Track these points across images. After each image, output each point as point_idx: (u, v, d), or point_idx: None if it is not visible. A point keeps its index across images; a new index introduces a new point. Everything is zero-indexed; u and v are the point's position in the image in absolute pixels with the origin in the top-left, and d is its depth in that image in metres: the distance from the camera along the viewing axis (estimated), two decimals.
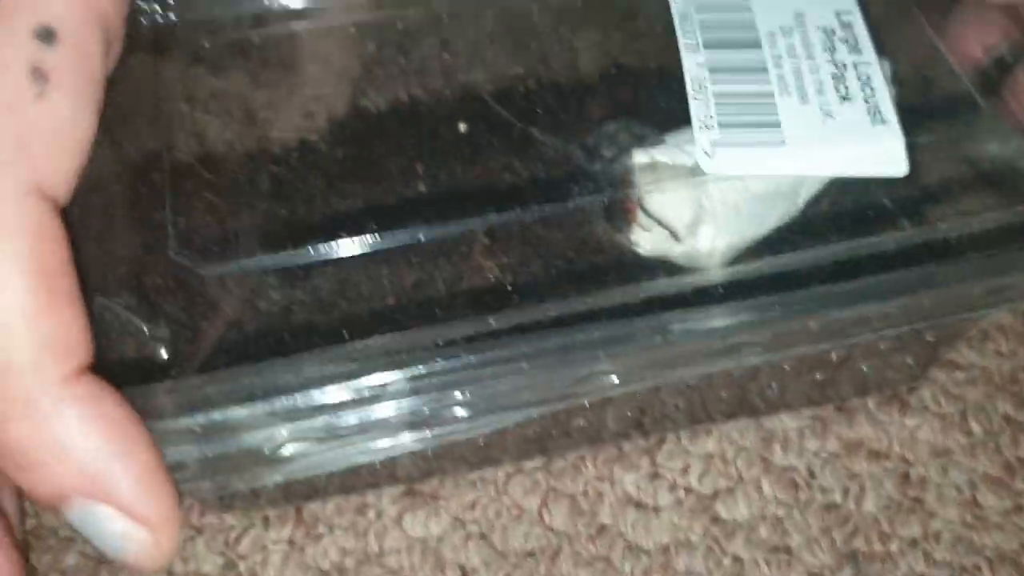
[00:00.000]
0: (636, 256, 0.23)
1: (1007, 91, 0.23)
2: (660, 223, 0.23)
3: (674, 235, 0.23)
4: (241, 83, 0.26)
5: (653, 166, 0.23)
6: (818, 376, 0.29)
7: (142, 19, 0.24)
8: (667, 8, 0.24)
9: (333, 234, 0.22)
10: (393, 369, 0.18)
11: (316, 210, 0.23)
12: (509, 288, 0.22)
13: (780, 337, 0.21)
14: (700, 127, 0.22)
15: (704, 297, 0.21)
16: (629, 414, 0.29)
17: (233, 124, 0.25)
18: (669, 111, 0.24)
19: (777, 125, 0.22)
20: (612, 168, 0.24)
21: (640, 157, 0.23)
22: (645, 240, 0.24)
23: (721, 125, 0.22)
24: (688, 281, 0.21)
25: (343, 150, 0.25)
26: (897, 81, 0.24)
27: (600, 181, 0.24)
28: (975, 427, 0.29)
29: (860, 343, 0.25)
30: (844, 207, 0.23)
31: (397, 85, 0.26)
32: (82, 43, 0.17)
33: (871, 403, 0.29)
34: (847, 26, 0.23)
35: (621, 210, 0.24)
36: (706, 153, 0.22)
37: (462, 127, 0.25)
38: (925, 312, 0.21)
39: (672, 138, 0.23)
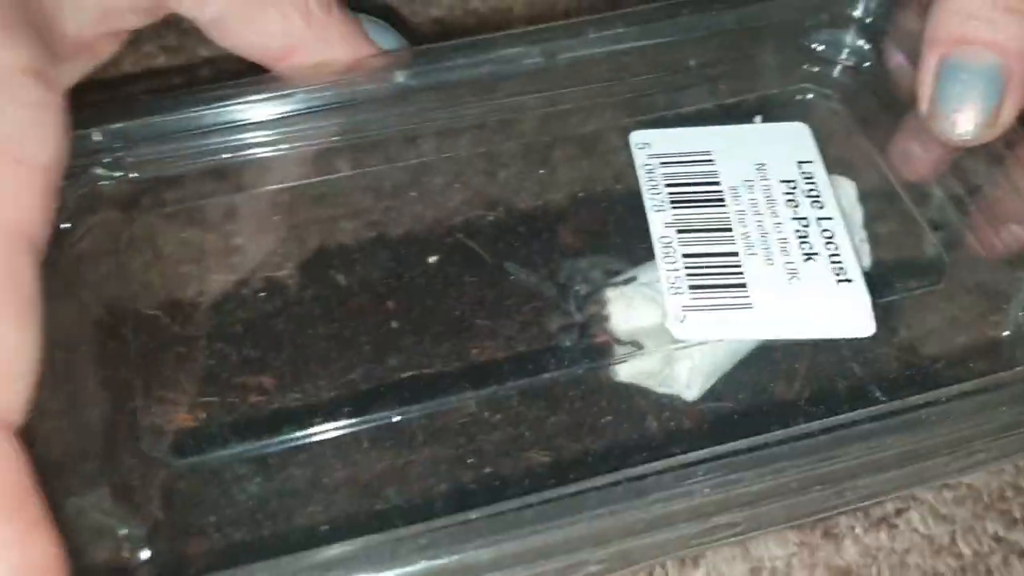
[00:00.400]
0: (614, 384, 0.23)
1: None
2: (637, 359, 0.24)
3: (652, 373, 0.23)
4: (204, 237, 0.26)
5: (627, 302, 0.23)
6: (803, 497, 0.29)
7: (101, 181, 0.25)
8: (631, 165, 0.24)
9: (309, 415, 0.22)
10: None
11: (288, 383, 0.23)
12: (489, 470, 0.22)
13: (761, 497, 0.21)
14: (671, 290, 0.22)
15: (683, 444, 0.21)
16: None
17: (199, 282, 0.25)
18: (639, 242, 0.24)
19: (744, 286, 0.22)
20: (587, 305, 0.24)
21: (613, 295, 0.24)
22: (622, 371, 0.24)
23: (691, 288, 0.22)
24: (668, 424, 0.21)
25: (313, 303, 0.25)
26: (862, 200, 0.24)
27: (575, 323, 0.24)
28: (965, 550, 0.29)
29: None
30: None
31: (366, 229, 0.26)
32: (13, 272, 0.17)
33: (858, 527, 0.29)
34: (809, 177, 0.24)
35: (596, 345, 0.24)
36: (677, 319, 0.22)
37: (432, 260, 0.26)
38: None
39: (643, 272, 0.24)
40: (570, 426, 0.22)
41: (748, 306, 0.22)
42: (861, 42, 0.26)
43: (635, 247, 0.24)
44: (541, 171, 0.26)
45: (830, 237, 0.23)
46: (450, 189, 0.26)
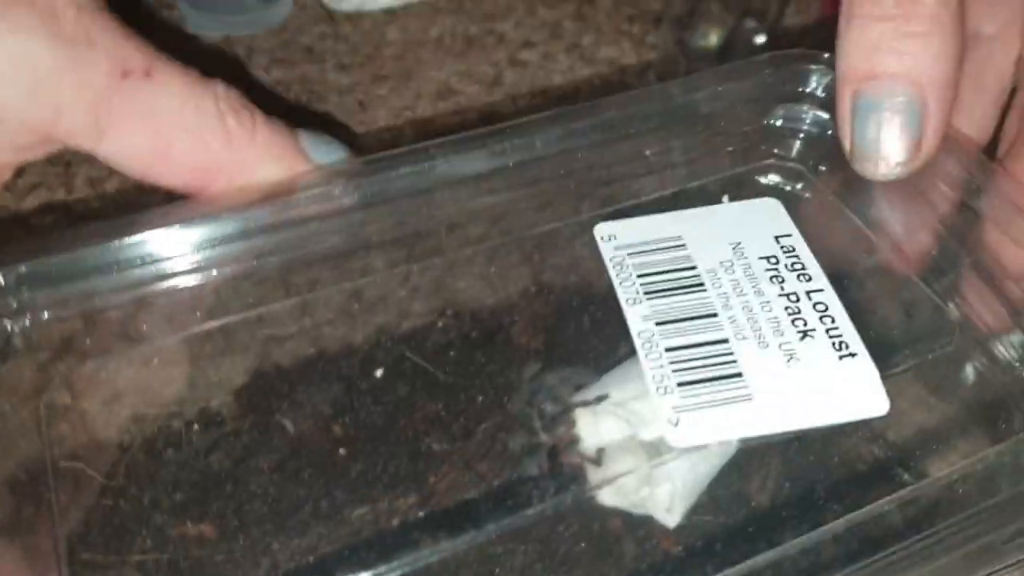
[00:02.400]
0: (588, 509, 0.21)
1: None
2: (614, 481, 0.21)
3: (628, 496, 0.21)
4: (128, 375, 0.23)
5: (598, 422, 0.21)
6: None
7: (8, 325, 0.22)
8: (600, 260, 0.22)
9: (257, 566, 0.19)
10: None
11: (232, 529, 0.20)
12: None
13: None
14: (658, 391, 0.20)
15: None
16: None
17: (125, 424, 0.22)
18: (607, 349, 0.22)
19: (740, 376, 0.20)
20: (556, 427, 0.22)
21: (583, 415, 0.21)
22: (596, 495, 0.22)
23: (680, 385, 0.20)
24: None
25: (253, 434, 0.22)
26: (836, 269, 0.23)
27: (542, 444, 0.22)
28: None
29: None
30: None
31: (306, 348, 0.24)
32: None
33: None
34: (790, 250, 0.22)
35: (570, 467, 0.22)
36: (671, 423, 0.20)
37: (378, 375, 0.23)
38: None
39: (614, 384, 0.22)
40: (543, 557, 0.20)
41: (747, 398, 0.20)
42: (817, 115, 0.25)
43: (603, 355, 0.23)
44: (496, 276, 0.24)
45: (824, 310, 0.21)
46: (397, 301, 0.24)
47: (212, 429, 0.22)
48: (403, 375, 0.23)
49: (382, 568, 0.19)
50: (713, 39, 0.44)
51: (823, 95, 0.25)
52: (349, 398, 0.23)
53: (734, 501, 0.21)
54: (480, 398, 0.23)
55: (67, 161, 0.36)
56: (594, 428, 0.22)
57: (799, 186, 0.26)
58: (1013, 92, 0.27)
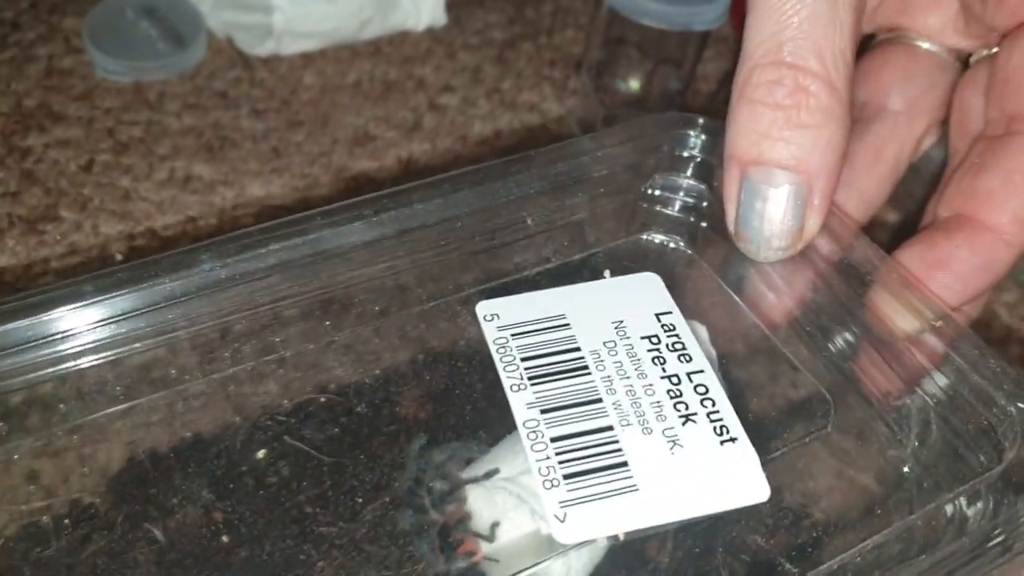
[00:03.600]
0: None
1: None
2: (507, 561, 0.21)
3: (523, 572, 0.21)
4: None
5: (489, 499, 0.21)
6: None
7: None
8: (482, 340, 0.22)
9: None
10: None
11: None
12: None
13: None
14: (544, 485, 0.20)
15: None
16: None
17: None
18: (495, 419, 0.22)
19: (625, 465, 0.20)
20: (444, 504, 0.22)
21: (474, 492, 0.21)
22: (493, 571, 0.21)
23: (566, 478, 0.20)
24: None
25: (127, 525, 0.21)
26: (713, 343, 0.23)
27: (432, 522, 0.21)
28: None
29: None
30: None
31: (180, 431, 0.23)
32: None
33: None
34: (670, 329, 0.22)
35: (460, 547, 0.21)
36: (557, 518, 0.19)
37: (260, 456, 0.22)
38: None
39: (503, 458, 0.21)
40: None
41: (633, 488, 0.19)
42: (696, 181, 0.26)
43: (491, 425, 0.22)
44: (378, 351, 0.24)
45: (704, 392, 0.21)
46: (273, 379, 0.24)
47: (83, 523, 0.21)
48: (285, 454, 0.22)
49: None
50: (633, 84, 0.44)
51: (700, 160, 0.25)
52: (230, 483, 0.22)
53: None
54: (367, 476, 0.22)
55: None
56: (485, 504, 0.21)
57: (677, 256, 0.26)
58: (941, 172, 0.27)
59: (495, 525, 0.21)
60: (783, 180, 0.22)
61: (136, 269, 0.21)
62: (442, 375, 0.23)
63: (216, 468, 0.22)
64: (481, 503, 0.21)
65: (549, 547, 0.20)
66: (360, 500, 0.21)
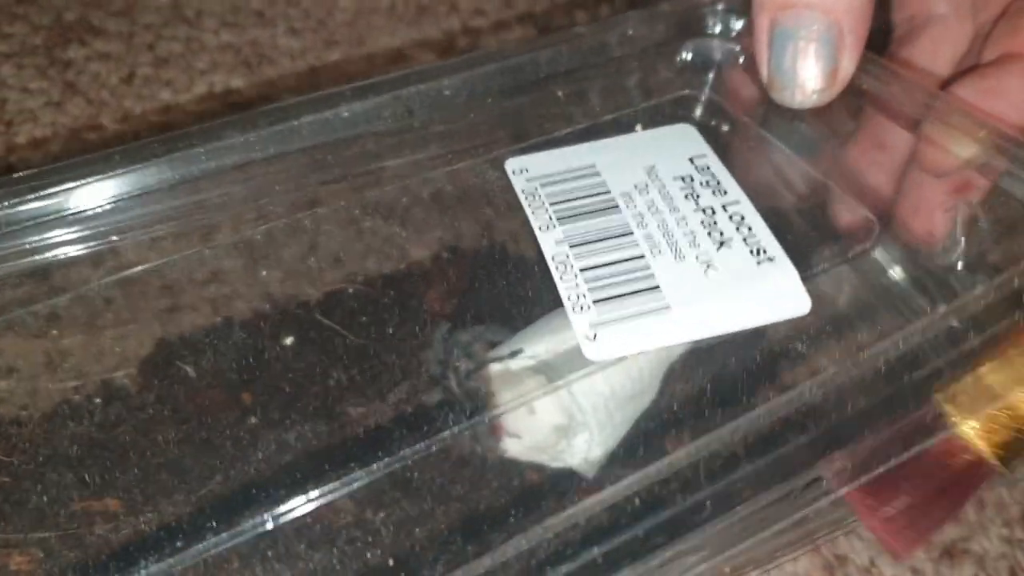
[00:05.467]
0: (504, 463, 0.20)
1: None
2: (530, 437, 0.20)
3: (545, 449, 0.20)
4: (24, 346, 0.22)
5: (514, 377, 0.20)
6: None
7: None
8: (511, 190, 0.22)
9: (166, 539, 0.17)
10: None
11: (139, 503, 0.19)
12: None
13: None
14: (574, 310, 0.19)
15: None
16: None
17: (23, 397, 0.21)
18: (521, 303, 0.21)
19: (657, 288, 0.19)
20: (470, 385, 0.21)
21: (497, 370, 0.20)
22: (512, 448, 0.20)
23: (596, 303, 0.19)
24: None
25: (158, 406, 0.21)
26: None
27: (459, 400, 0.20)
28: None
29: None
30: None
31: (211, 315, 0.23)
32: None
33: None
34: (704, 169, 0.22)
35: (487, 426, 0.21)
36: (588, 338, 0.19)
37: (288, 343, 0.22)
38: None
39: (528, 341, 0.21)
40: (463, 515, 0.19)
41: (665, 308, 0.19)
42: (729, 45, 0.25)
43: (517, 310, 0.22)
44: (406, 234, 0.24)
45: (741, 220, 0.20)
46: (303, 262, 0.23)
47: (115, 402, 0.21)
48: (312, 339, 0.22)
49: (289, 512, 0.18)
50: None
51: (729, 24, 0.25)
52: (257, 364, 0.22)
53: (650, 451, 0.20)
54: (394, 360, 0.22)
55: (8, 120, 0.36)
56: (508, 383, 0.21)
57: (714, 115, 0.25)
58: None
59: (516, 402, 0.20)
60: (812, 20, 0.21)
61: (170, 142, 0.22)
62: (467, 262, 0.23)
63: (245, 352, 0.22)
64: (504, 383, 0.21)
65: (570, 426, 0.19)
66: (385, 383, 0.21)
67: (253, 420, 0.21)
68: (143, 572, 0.17)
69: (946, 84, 0.24)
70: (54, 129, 0.36)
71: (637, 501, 0.17)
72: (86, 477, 0.20)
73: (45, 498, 0.19)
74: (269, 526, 0.17)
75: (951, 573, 0.26)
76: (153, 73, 0.40)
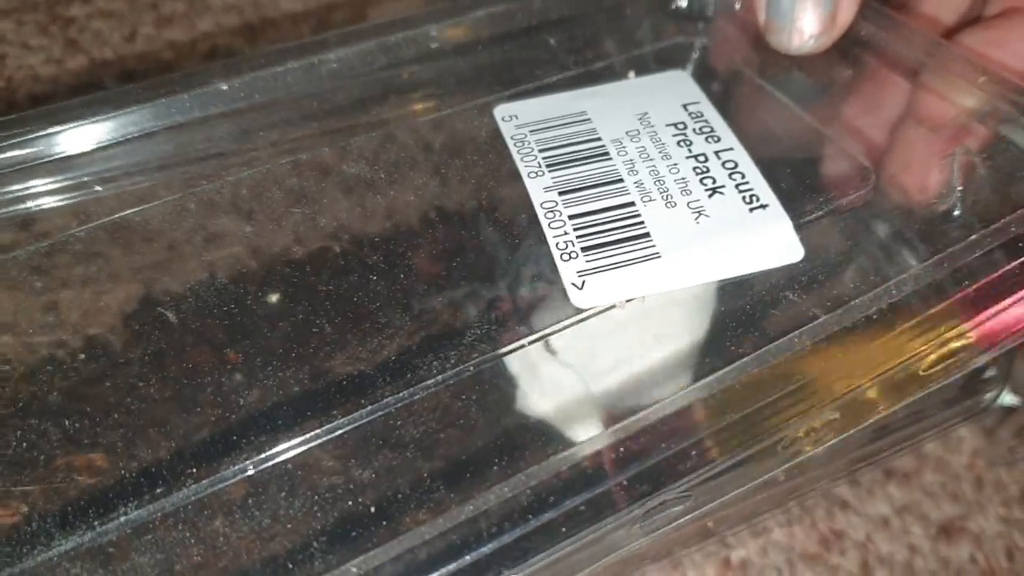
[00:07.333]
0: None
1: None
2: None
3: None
4: (5, 297, 0.22)
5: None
6: None
7: None
8: (500, 140, 0.21)
9: (149, 486, 0.17)
10: None
11: (123, 456, 0.19)
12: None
13: None
14: (562, 257, 0.19)
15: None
16: None
17: (4, 350, 0.21)
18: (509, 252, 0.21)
19: (647, 236, 0.19)
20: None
21: None
22: (528, 407, 0.20)
23: (585, 250, 0.19)
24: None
25: (142, 360, 0.20)
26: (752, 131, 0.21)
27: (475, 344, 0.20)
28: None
29: None
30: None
31: (197, 271, 0.22)
32: None
33: None
34: (697, 116, 0.21)
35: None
36: (575, 286, 0.18)
37: (273, 300, 0.22)
38: None
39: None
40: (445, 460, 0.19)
41: (655, 256, 0.18)
42: None
43: (503, 259, 0.21)
44: (392, 181, 0.23)
45: (734, 167, 0.20)
46: (288, 209, 0.23)
47: (98, 356, 0.20)
48: (299, 297, 0.21)
49: (271, 457, 0.18)
50: None
51: None
52: (245, 324, 0.21)
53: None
54: (382, 318, 0.21)
55: (8, 76, 0.36)
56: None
57: (709, 63, 0.24)
58: None
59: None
60: None
61: (154, 88, 0.21)
62: (458, 220, 0.22)
63: (231, 310, 0.22)
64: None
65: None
66: (377, 340, 0.21)
67: (236, 370, 0.21)
68: (123, 519, 0.17)
69: (949, 36, 0.23)
70: (55, 87, 0.36)
71: (622, 450, 0.17)
72: (69, 431, 0.19)
73: (29, 452, 0.19)
74: (250, 472, 0.17)
75: (948, 551, 0.26)
76: (155, 33, 0.39)
